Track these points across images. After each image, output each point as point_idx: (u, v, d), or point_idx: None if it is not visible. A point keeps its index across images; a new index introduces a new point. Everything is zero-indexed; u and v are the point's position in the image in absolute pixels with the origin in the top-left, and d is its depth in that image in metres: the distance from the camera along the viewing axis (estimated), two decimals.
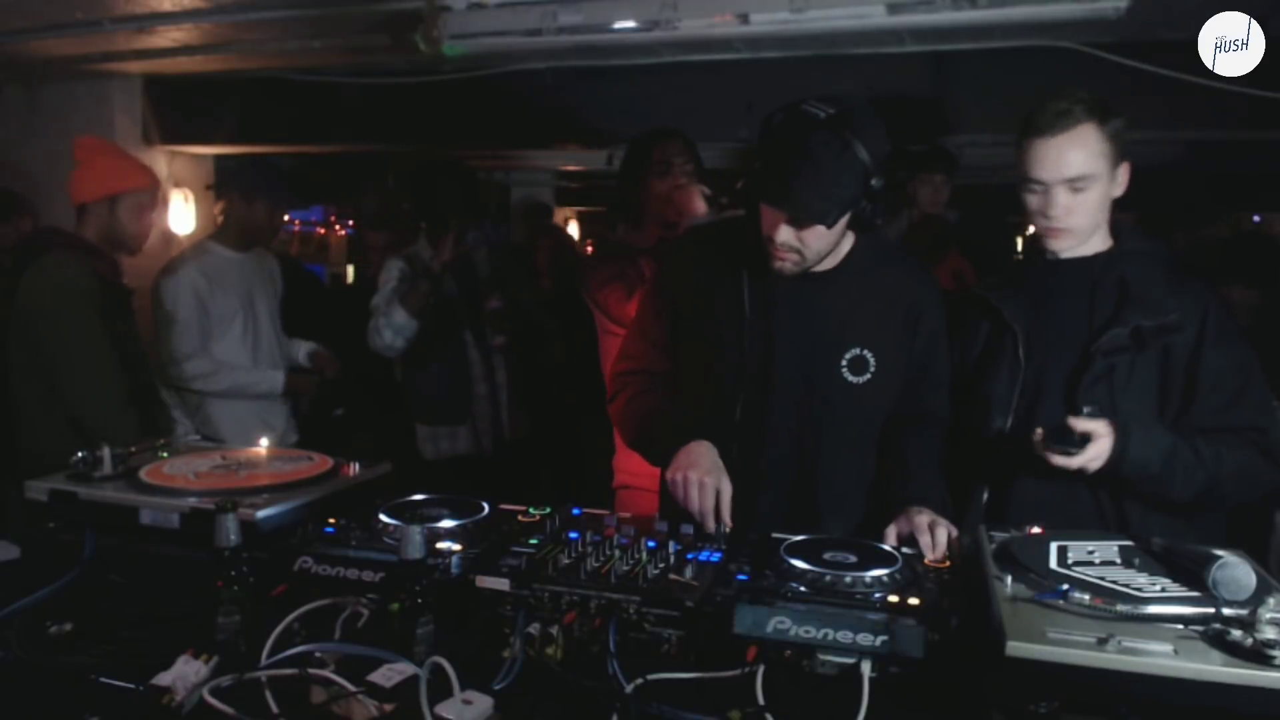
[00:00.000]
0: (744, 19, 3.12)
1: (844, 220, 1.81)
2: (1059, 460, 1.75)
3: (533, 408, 3.74)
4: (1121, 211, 1.97)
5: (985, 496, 1.97)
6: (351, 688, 1.18)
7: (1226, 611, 1.17)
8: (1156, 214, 4.18)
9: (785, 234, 1.81)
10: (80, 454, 1.76)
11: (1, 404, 2.78)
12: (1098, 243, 1.94)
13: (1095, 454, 1.73)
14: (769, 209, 1.83)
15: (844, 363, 1.94)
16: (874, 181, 1.76)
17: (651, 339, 2.12)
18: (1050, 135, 1.82)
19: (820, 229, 1.79)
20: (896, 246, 2.14)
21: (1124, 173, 1.89)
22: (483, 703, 1.15)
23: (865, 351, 1.94)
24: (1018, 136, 1.90)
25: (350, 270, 8.89)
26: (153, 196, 2.94)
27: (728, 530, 1.72)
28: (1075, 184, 1.84)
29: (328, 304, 4.58)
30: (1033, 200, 1.90)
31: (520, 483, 3.50)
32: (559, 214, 9.20)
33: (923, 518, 1.70)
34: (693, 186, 2.65)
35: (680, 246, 2.21)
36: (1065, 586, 1.26)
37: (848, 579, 1.41)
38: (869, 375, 1.94)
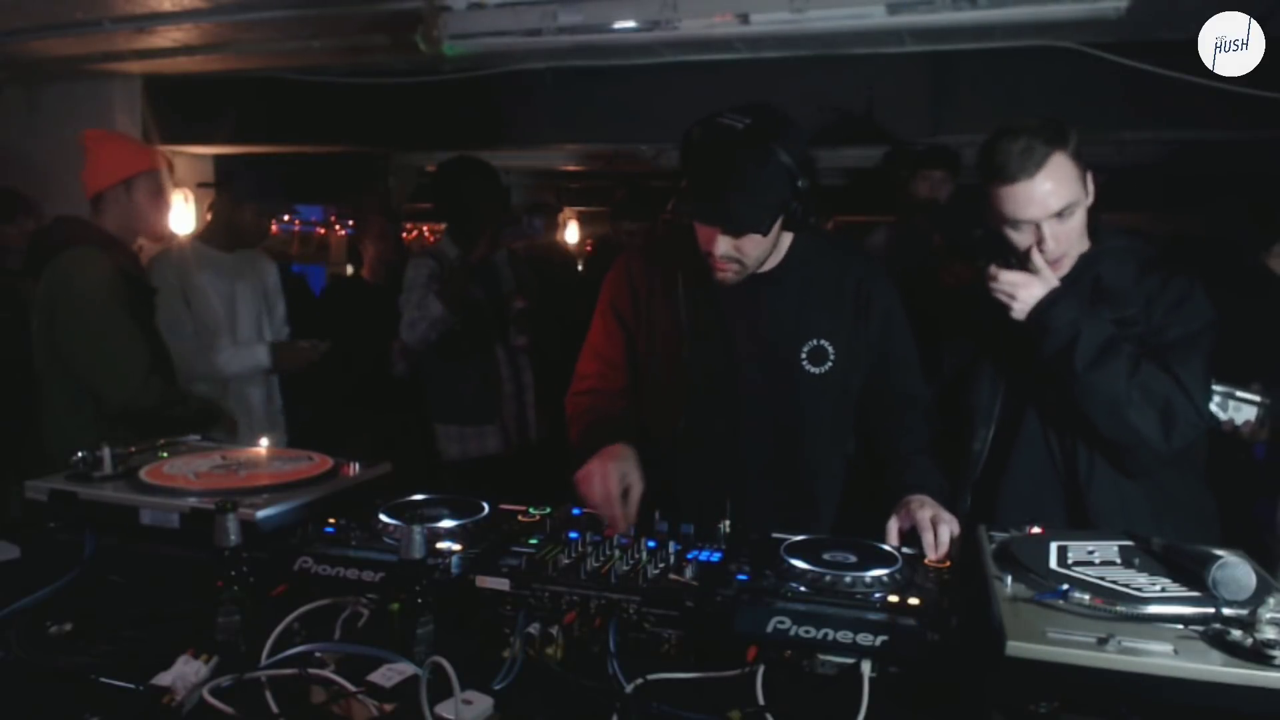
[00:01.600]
0: (744, 19, 3.12)
1: (778, 224, 1.86)
2: (993, 269, 1.84)
3: (548, 408, 3.78)
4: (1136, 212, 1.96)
5: (968, 503, 1.98)
6: (351, 688, 1.18)
7: (1226, 611, 1.17)
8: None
9: (723, 247, 1.86)
10: (80, 454, 1.76)
11: (20, 405, 2.79)
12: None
13: (1024, 281, 1.82)
14: (703, 226, 1.86)
15: (803, 355, 1.98)
16: (800, 183, 1.81)
17: (605, 357, 2.15)
18: (1025, 179, 1.80)
19: (756, 237, 1.84)
20: (834, 236, 2.17)
21: (1091, 181, 1.88)
22: (483, 703, 1.15)
23: (822, 341, 1.98)
24: (983, 182, 1.87)
25: (350, 271, 8.87)
26: (166, 179, 2.93)
27: (632, 534, 1.68)
28: (1062, 215, 1.83)
29: (315, 307, 4.55)
30: (1019, 238, 1.87)
31: (544, 482, 3.53)
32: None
33: (925, 513, 1.70)
34: None
35: (623, 262, 2.22)
36: (1065, 586, 1.26)
37: (848, 579, 1.41)
38: (830, 364, 1.98)
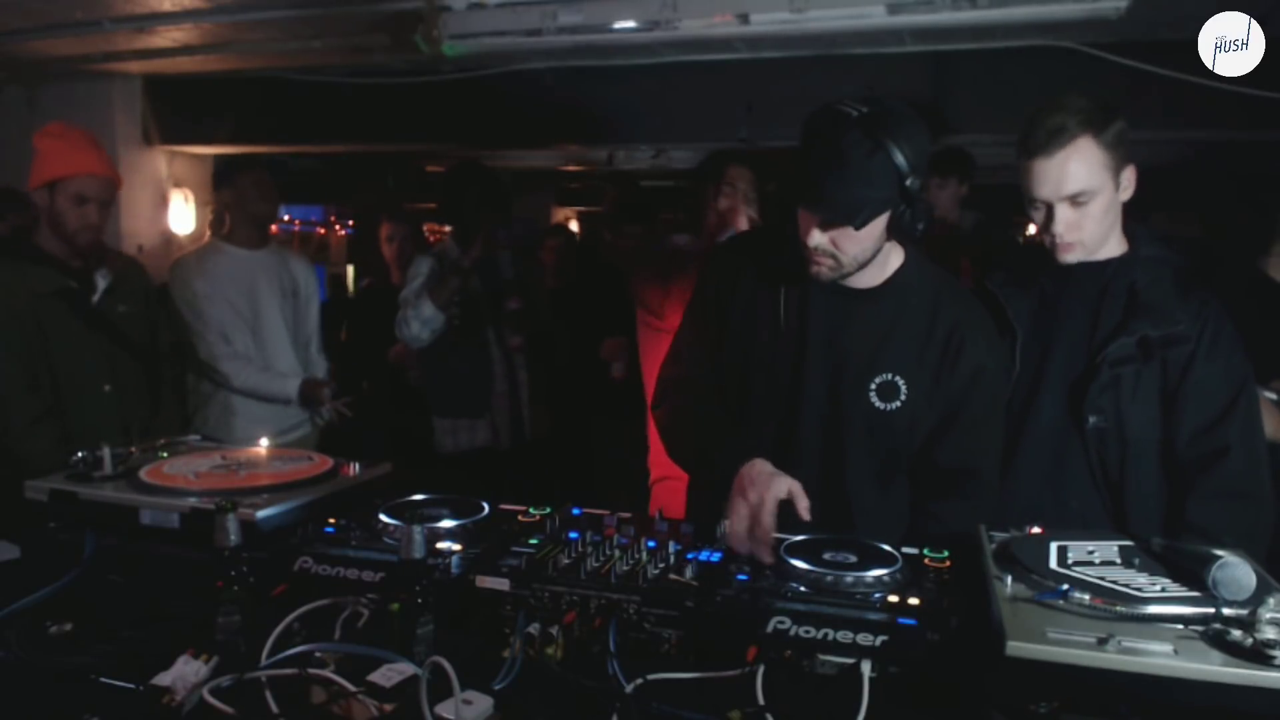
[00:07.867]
0: (744, 19, 3.13)
1: (880, 225, 1.72)
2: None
3: (551, 407, 3.82)
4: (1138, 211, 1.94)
5: None
6: (351, 688, 1.18)
7: (1226, 611, 1.17)
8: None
9: (818, 238, 1.73)
10: (80, 454, 1.76)
11: None
12: (1112, 248, 1.92)
13: None
14: (804, 212, 1.76)
15: (873, 386, 1.82)
16: (909, 183, 1.67)
17: (698, 345, 2.02)
18: (1046, 155, 1.79)
19: (853, 233, 1.71)
20: (940, 268, 1.98)
21: (1129, 176, 1.86)
22: (483, 703, 1.16)
23: (896, 378, 1.82)
24: (1017, 153, 1.87)
25: (350, 271, 8.87)
26: (101, 187, 2.66)
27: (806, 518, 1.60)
28: (1077, 199, 1.81)
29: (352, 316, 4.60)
30: (1037, 216, 1.88)
31: (537, 479, 3.56)
32: (559, 213, 9.21)
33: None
34: (739, 207, 2.85)
35: (725, 252, 2.11)
36: (1065, 586, 1.25)
37: (848, 579, 1.41)
38: (898, 403, 1.81)
